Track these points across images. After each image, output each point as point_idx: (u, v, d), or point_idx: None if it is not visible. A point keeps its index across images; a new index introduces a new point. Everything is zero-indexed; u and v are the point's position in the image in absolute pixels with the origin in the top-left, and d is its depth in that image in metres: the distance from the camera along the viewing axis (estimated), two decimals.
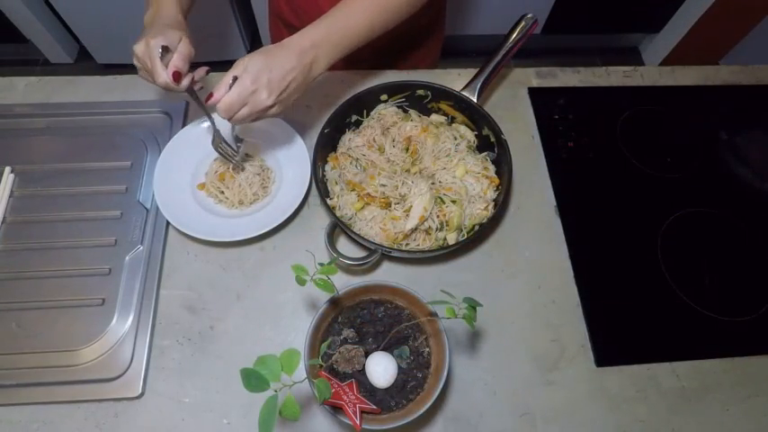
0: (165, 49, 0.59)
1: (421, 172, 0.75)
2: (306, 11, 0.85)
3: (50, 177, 0.76)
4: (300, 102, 0.85)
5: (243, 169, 0.75)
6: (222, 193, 0.74)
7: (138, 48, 0.59)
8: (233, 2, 1.74)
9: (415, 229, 0.68)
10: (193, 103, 0.82)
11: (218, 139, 0.72)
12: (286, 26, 0.94)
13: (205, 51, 1.99)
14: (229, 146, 0.73)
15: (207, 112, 0.70)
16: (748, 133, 0.90)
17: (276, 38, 1.01)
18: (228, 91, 0.58)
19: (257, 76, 0.57)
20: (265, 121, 0.78)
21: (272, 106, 0.60)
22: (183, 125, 0.80)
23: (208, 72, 0.68)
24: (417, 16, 0.73)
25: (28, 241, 0.71)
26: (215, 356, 0.65)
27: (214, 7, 1.73)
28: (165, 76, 0.59)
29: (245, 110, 0.59)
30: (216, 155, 0.75)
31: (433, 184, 0.72)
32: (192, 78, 0.63)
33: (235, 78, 0.58)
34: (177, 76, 0.59)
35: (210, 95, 0.59)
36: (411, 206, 0.69)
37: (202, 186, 0.76)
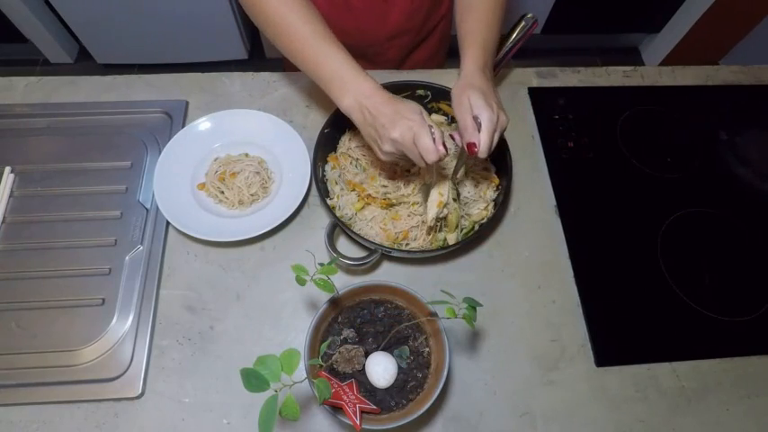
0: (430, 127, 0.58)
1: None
2: None
3: (50, 177, 0.76)
4: (300, 102, 0.85)
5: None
6: (222, 193, 0.74)
7: (408, 135, 0.57)
8: (233, 2, 1.74)
9: (437, 218, 0.67)
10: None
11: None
12: None
13: (205, 51, 2.00)
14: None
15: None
16: (748, 133, 0.90)
17: None
18: (479, 132, 0.59)
19: (490, 103, 0.60)
20: (265, 121, 0.79)
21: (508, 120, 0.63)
22: (183, 125, 0.80)
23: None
24: (424, 16, 0.74)
25: (28, 241, 0.71)
26: (215, 356, 0.65)
27: (214, 7, 1.73)
28: (441, 150, 0.57)
29: (496, 136, 0.61)
30: (215, 155, 0.76)
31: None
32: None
33: (474, 118, 0.60)
34: (444, 147, 0.58)
35: (471, 146, 0.59)
36: (414, 204, 0.69)
37: (202, 186, 0.76)
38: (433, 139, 0.56)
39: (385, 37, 0.88)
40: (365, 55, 0.91)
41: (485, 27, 0.69)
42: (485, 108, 0.59)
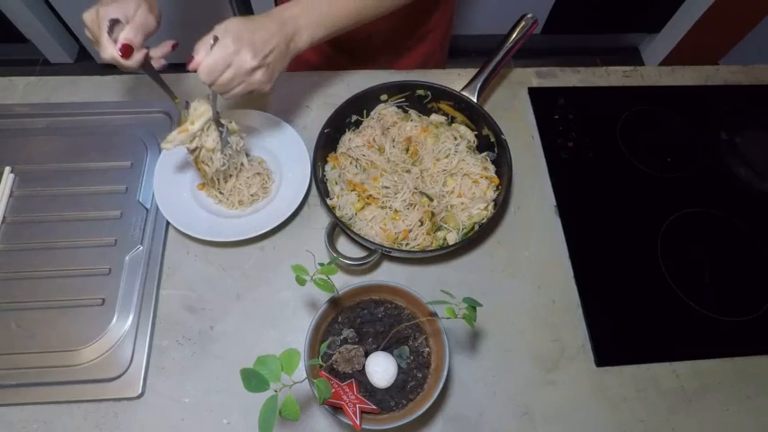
0: (116, 22, 0.53)
1: (422, 173, 0.75)
2: None
3: (50, 177, 0.76)
4: (300, 102, 0.85)
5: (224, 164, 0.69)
6: (222, 193, 0.74)
7: (88, 16, 0.54)
8: (233, 2, 1.74)
9: (182, 145, 0.64)
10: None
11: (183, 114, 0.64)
12: None
13: None
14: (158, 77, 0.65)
15: (170, 92, 0.64)
16: (748, 133, 0.90)
17: None
18: (210, 52, 0.53)
19: (239, 36, 0.54)
20: (265, 121, 0.79)
21: (256, 68, 0.56)
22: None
23: (174, 47, 0.61)
24: (422, 13, 0.73)
25: (28, 241, 0.71)
26: (215, 356, 0.65)
27: (214, 7, 1.73)
28: (111, 49, 0.53)
29: (229, 73, 0.55)
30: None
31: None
32: (147, 54, 0.57)
33: (216, 39, 0.54)
34: (127, 51, 0.53)
35: (191, 59, 0.54)
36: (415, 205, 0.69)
37: (202, 186, 0.76)
38: (116, 39, 0.53)
39: (362, 36, 0.86)
40: (350, 50, 0.89)
41: None
42: (229, 36, 0.54)
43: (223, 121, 0.67)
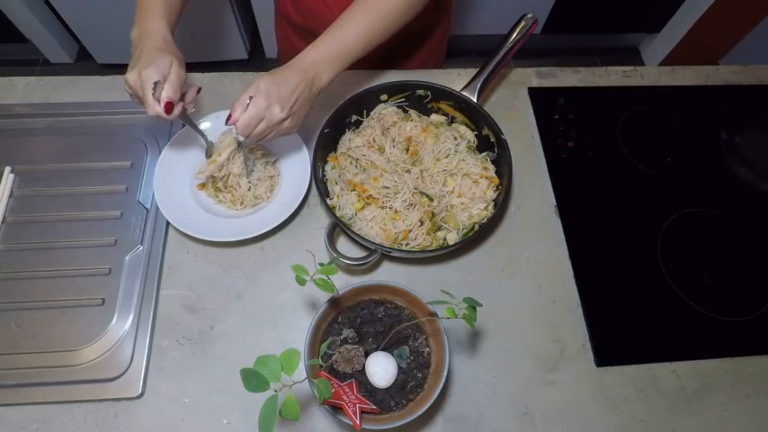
0: (157, 83, 0.60)
1: (422, 173, 0.75)
2: (312, 11, 0.85)
3: (50, 177, 0.76)
4: None
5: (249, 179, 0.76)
6: (221, 192, 0.74)
7: (131, 78, 0.60)
8: (233, 2, 1.74)
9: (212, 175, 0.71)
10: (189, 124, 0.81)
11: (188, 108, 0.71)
12: (292, 27, 0.94)
13: (205, 51, 2.01)
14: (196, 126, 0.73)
15: (203, 136, 0.73)
16: (748, 133, 0.90)
17: (282, 38, 1.00)
18: (245, 110, 0.60)
19: (269, 94, 0.61)
20: None
21: (285, 119, 0.63)
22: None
23: (199, 92, 0.69)
24: (422, 16, 0.73)
25: (28, 241, 0.71)
26: (215, 356, 0.65)
27: (214, 7, 1.73)
28: (157, 108, 0.60)
29: (262, 125, 0.62)
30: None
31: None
32: (183, 106, 0.65)
33: (250, 98, 0.61)
34: (169, 108, 0.61)
35: (230, 116, 0.61)
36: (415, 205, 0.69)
37: (202, 186, 0.76)
38: (158, 98, 0.60)
39: None
40: None
41: (348, 25, 0.67)
42: (261, 95, 0.60)
43: (250, 155, 0.75)
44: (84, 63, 2.04)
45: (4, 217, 0.72)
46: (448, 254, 0.73)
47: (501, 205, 0.72)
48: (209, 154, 0.74)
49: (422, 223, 0.70)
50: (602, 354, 0.67)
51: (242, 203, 0.74)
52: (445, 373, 0.55)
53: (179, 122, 0.73)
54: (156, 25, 0.64)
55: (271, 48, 1.99)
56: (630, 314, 0.71)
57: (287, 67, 0.64)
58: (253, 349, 0.65)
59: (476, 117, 0.79)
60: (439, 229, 0.72)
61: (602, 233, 0.77)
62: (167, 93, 0.60)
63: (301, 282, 0.51)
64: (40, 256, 0.70)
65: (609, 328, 0.69)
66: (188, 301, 0.68)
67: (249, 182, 0.74)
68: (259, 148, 0.77)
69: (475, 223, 0.72)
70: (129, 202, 0.74)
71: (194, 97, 0.68)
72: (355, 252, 0.73)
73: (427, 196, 0.72)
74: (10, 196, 0.74)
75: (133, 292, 0.67)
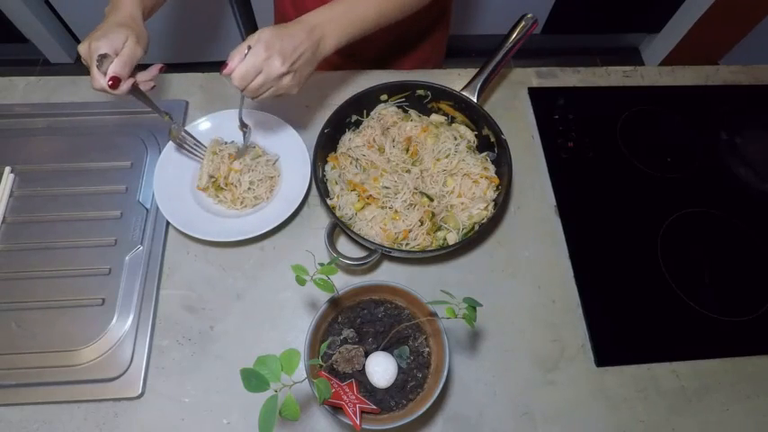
0: (105, 56, 0.58)
1: (422, 173, 0.75)
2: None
3: (50, 177, 0.76)
4: (300, 102, 0.85)
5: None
6: (222, 190, 0.74)
7: (82, 48, 0.59)
8: (233, 2, 1.74)
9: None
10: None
11: (176, 132, 0.72)
12: None
13: (205, 51, 2.00)
14: (195, 140, 0.74)
15: (158, 110, 0.69)
16: (748, 133, 0.90)
17: None
18: (244, 60, 0.58)
19: (270, 44, 0.58)
20: (265, 121, 0.79)
21: (285, 74, 0.60)
22: (183, 125, 0.80)
23: (162, 70, 0.67)
24: (422, 14, 0.73)
25: (28, 241, 0.71)
26: (215, 356, 0.65)
27: (214, 7, 1.73)
28: (101, 81, 0.59)
29: (260, 78, 0.59)
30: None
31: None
32: (134, 83, 0.62)
33: (249, 48, 0.58)
34: (115, 82, 0.59)
35: (225, 65, 0.58)
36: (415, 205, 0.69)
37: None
38: (105, 71, 0.58)
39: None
40: (350, 52, 0.90)
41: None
42: (260, 44, 0.58)
43: (258, 149, 0.76)
44: (84, 63, 2.03)
45: (4, 217, 0.72)
46: (448, 254, 0.73)
47: (501, 205, 0.72)
48: (174, 134, 0.72)
49: (422, 223, 0.70)
50: (602, 354, 0.67)
51: (242, 203, 0.74)
52: (445, 373, 0.55)
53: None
54: (126, 4, 0.63)
55: None
56: (630, 314, 0.71)
57: (292, 24, 0.62)
58: (253, 349, 0.65)
59: (476, 117, 0.79)
60: (439, 229, 0.72)
61: (602, 233, 0.77)
62: (114, 68, 0.58)
63: (301, 282, 0.51)
64: (40, 256, 0.70)
65: (609, 328, 0.69)
66: (188, 301, 0.68)
67: (250, 181, 0.73)
68: (258, 147, 0.77)
69: (475, 223, 0.72)
70: (129, 202, 0.74)
71: (155, 75, 0.66)
72: (355, 252, 0.73)
73: (427, 196, 0.72)
74: (10, 196, 0.74)
75: (133, 292, 0.67)
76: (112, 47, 0.58)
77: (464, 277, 0.72)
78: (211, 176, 0.74)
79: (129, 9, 0.63)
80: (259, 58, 0.58)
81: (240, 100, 0.68)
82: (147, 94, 0.66)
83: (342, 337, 0.59)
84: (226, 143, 0.76)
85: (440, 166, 0.75)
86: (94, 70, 0.58)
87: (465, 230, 0.72)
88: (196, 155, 0.75)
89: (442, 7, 0.93)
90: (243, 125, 0.73)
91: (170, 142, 0.76)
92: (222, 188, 0.74)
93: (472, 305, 0.51)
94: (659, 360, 0.68)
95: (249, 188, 0.74)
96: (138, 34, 0.61)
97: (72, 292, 0.67)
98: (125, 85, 0.60)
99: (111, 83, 0.59)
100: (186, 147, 0.73)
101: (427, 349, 0.59)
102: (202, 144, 0.75)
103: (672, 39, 2.00)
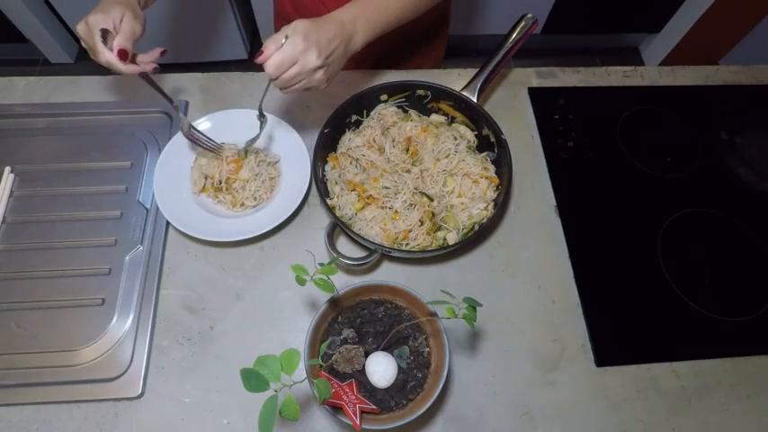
0: (106, 32, 0.58)
1: (422, 173, 0.75)
2: (310, 11, 0.85)
3: (50, 177, 0.76)
4: (300, 102, 0.85)
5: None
6: (222, 192, 0.74)
7: (81, 28, 0.59)
8: (233, 2, 1.74)
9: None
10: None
11: (187, 126, 0.71)
12: None
13: (205, 51, 2.00)
14: (202, 134, 0.73)
15: (167, 97, 0.70)
16: (748, 133, 0.90)
17: None
18: (281, 49, 0.57)
19: (307, 36, 0.57)
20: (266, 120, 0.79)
21: (320, 68, 0.59)
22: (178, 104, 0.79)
23: (163, 53, 0.67)
24: (423, 14, 0.73)
25: (28, 241, 0.71)
26: (215, 356, 0.65)
27: (214, 7, 1.73)
28: (107, 54, 0.58)
29: (295, 69, 0.58)
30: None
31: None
32: (150, 64, 0.63)
33: (286, 38, 0.57)
34: (123, 55, 0.59)
35: (260, 53, 0.58)
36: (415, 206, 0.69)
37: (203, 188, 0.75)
38: (109, 48, 0.58)
39: None
40: None
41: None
42: (298, 35, 0.57)
43: (261, 155, 0.76)
44: (84, 63, 2.03)
45: (4, 217, 0.72)
46: (448, 254, 0.73)
47: (501, 205, 0.72)
48: (185, 129, 0.72)
49: (422, 223, 0.70)
50: (602, 354, 0.67)
51: (242, 204, 0.74)
52: (445, 373, 0.55)
53: (182, 100, 0.72)
54: None
55: None
56: (630, 314, 0.71)
57: (325, 19, 0.61)
58: (253, 349, 0.65)
59: (476, 117, 0.79)
60: (439, 229, 0.72)
61: (602, 233, 0.77)
62: (118, 40, 0.58)
63: (301, 282, 0.51)
64: (40, 256, 0.70)
65: (609, 328, 0.69)
66: (188, 301, 0.68)
67: (255, 189, 0.73)
68: (260, 152, 0.77)
69: (475, 223, 0.72)
70: (129, 202, 0.74)
71: (157, 57, 0.66)
72: (355, 252, 0.73)
73: (427, 196, 0.72)
74: (10, 196, 0.74)
75: (133, 292, 0.67)
76: (111, 22, 0.58)
77: (464, 277, 0.72)
78: (207, 177, 0.74)
79: None
80: (297, 48, 0.57)
81: (265, 89, 0.67)
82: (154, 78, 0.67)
83: (342, 337, 0.59)
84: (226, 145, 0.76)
85: (440, 166, 0.75)
86: (99, 44, 0.58)
87: (465, 230, 0.72)
88: (209, 148, 0.74)
89: (444, 8, 0.93)
90: (261, 115, 0.73)
91: (170, 142, 0.76)
92: (221, 189, 0.74)
93: (472, 305, 0.51)
94: (659, 360, 0.68)
95: (246, 195, 0.74)
96: (135, 11, 0.61)
97: (72, 292, 0.67)
98: (132, 67, 0.61)
99: (119, 55, 0.58)
100: (199, 142, 0.73)
101: (427, 349, 0.59)
102: (211, 139, 0.74)
103: (672, 39, 2.00)
